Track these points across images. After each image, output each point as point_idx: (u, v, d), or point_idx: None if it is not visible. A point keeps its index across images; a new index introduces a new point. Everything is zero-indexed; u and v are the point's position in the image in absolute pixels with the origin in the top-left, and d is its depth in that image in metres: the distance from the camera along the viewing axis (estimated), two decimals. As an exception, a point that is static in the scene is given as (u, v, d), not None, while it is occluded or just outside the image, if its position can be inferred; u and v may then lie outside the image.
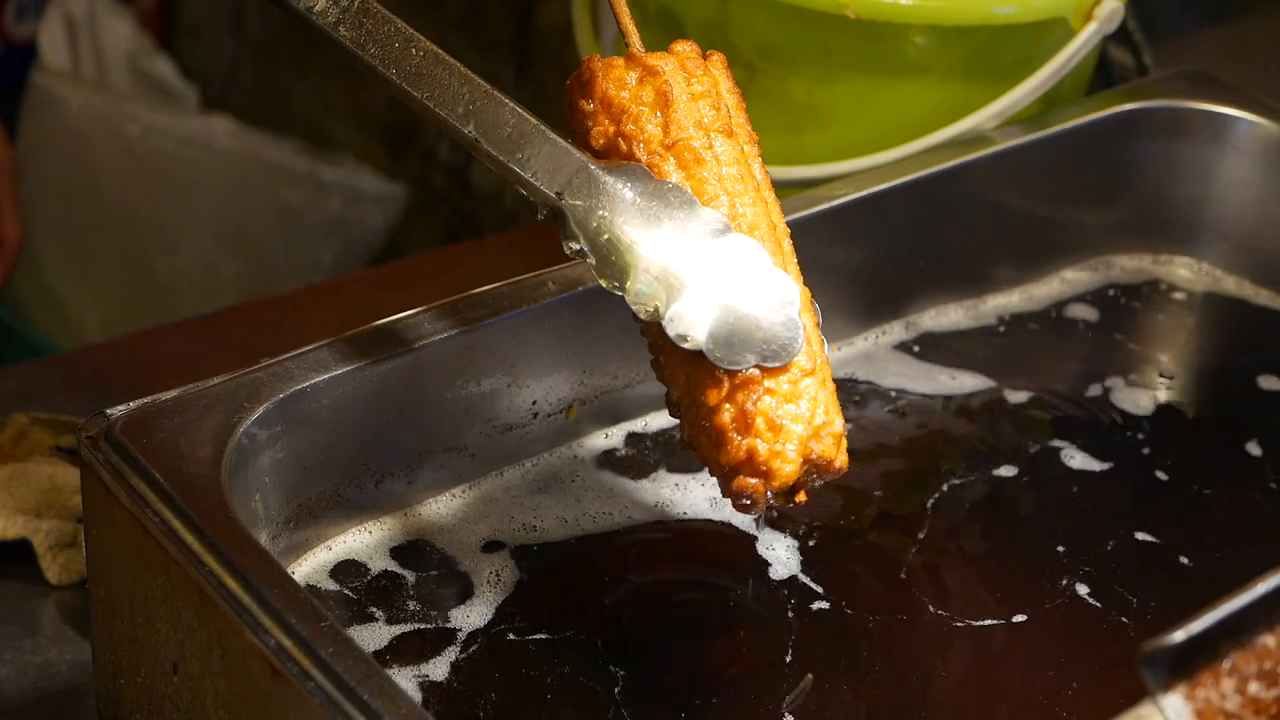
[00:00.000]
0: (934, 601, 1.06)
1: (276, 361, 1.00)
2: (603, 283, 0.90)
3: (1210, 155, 1.32)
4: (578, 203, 0.91)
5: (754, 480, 0.87)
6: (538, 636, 1.02)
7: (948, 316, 1.29)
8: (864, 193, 1.22)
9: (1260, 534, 1.15)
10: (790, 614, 1.04)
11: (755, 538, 1.09)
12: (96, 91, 2.25)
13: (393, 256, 2.33)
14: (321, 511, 1.03)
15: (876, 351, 1.26)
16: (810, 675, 1.00)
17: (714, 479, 0.91)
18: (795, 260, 0.93)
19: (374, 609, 1.02)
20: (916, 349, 1.26)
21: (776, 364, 0.88)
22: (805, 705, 0.99)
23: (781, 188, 1.28)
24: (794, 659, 1.02)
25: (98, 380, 1.38)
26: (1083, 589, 1.08)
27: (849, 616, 1.05)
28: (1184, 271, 1.35)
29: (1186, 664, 0.70)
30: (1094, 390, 1.25)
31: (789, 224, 1.16)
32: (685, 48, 0.95)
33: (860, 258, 1.24)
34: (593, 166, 0.91)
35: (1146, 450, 1.20)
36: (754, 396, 0.87)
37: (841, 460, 0.89)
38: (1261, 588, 0.72)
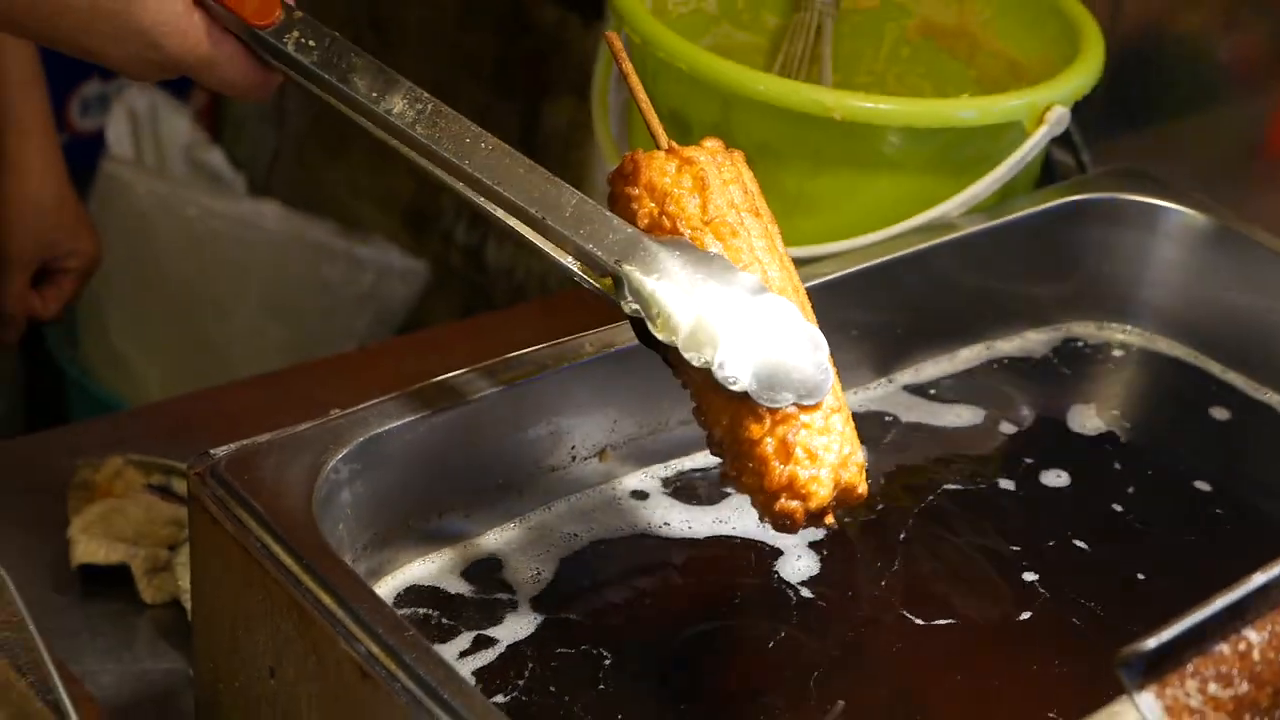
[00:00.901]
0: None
1: (354, 411, 1.03)
2: (660, 337, 0.93)
3: (1143, 239, 1.36)
4: (634, 269, 0.94)
5: (794, 503, 0.91)
6: (583, 649, 1.04)
7: (926, 371, 1.32)
8: (848, 270, 1.25)
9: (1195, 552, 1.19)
10: (814, 632, 1.07)
11: (779, 553, 1.13)
12: (158, 178, 2.27)
13: (416, 325, 2.36)
14: (393, 540, 1.06)
15: (882, 394, 1.30)
16: (842, 702, 1.03)
17: (752, 508, 0.94)
18: (814, 319, 0.97)
19: (440, 624, 1.05)
20: (911, 391, 1.30)
21: (811, 402, 0.91)
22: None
23: (775, 265, 1.32)
24: (821, 679, 1.04)
25: (175, 430, 1.40)
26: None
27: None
28: (1122, 335, 1.38)
29: (1157, 667, 0.74)
30: (1059, 423, 1.30)
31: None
32: (713, 144, 1.00)
33: (850, 322, 1.27)
34: (645, 239, 0.95)
35: (1098, 474, 1.25)
36: (793, 430, 0.91)
37: (863, 487, 0.94)
38: (1219, 603, 0.75)
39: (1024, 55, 1.47)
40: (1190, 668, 0.74)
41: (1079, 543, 1.18)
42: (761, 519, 0.93)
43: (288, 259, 2.21)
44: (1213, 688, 0.75)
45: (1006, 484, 1.23)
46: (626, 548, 1.12)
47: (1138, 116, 1.64)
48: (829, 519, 0.93)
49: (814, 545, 1.14)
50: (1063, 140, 1.50)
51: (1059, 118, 1.31)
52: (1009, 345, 1.35)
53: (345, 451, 1.00)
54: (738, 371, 0.91)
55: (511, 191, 0.95)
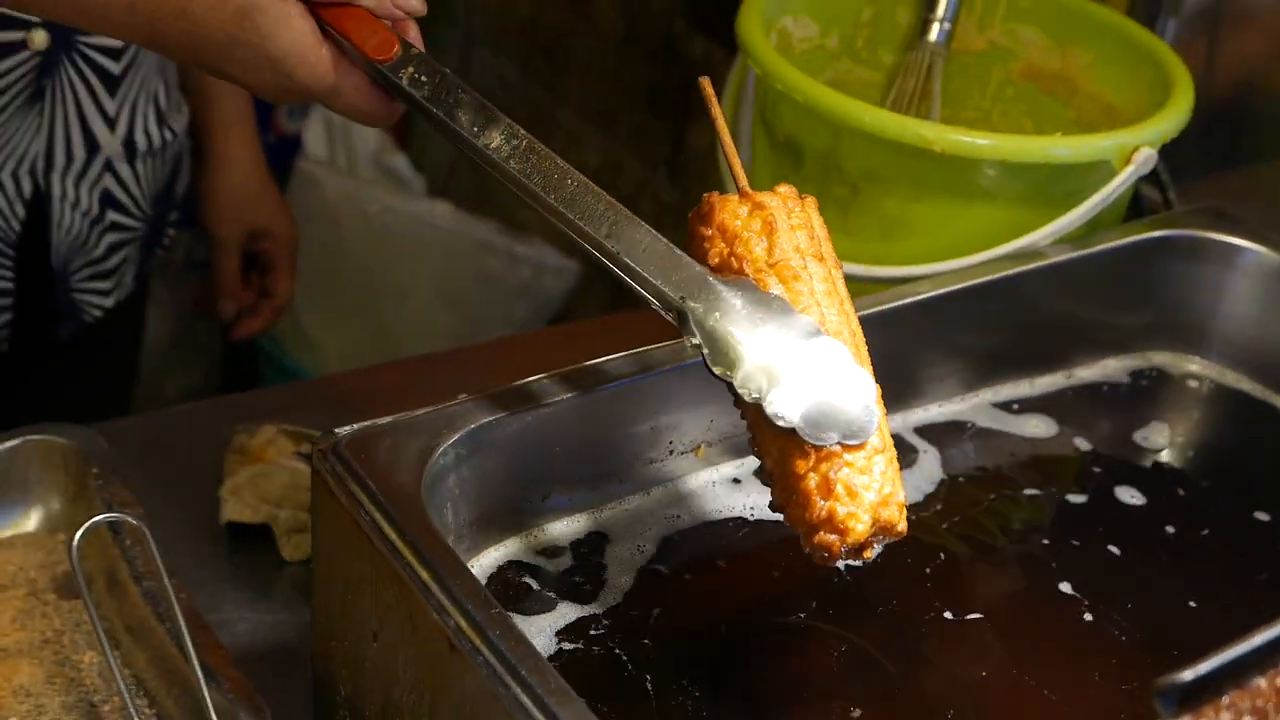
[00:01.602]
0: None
1: (470, 399, 0.98)
2: (716, 371, 0.87)
3: (1221, 275, 1.26)
4: (697, 306, 0.88)
5: (832, 536, 0.84)
6: (674, 626, 0.99)
7: (1007, 391, 1.23)
8: (941, 291, 1.18)
9: (1249, 581, 1.09)
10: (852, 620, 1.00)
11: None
12: (347, 178, 2.26)
13: (568, 316, 2.32)
14: (499, 519, 1.01)
15: (964, 408, 1.22)
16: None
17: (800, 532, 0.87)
18: (870, 362, 0.91)
19: (540, 595, 0.99)
20: (993, 407, 1.22)
21: (855, 443, 0.85)
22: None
23: (876, 283, 1.25)
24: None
25: (334, 403, 1.37)
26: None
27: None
28: (1195, 367, 1.29)
29: (1193, 698, 0.66)
30: (1130, 445, 1.21)
31: (883, 312, 1.15)
32: (787, 190, 0.93)
33: (939, 340, 1.20)
34: (710, 278, 0.89)
35: (1161, 497, 1.16)
36: (835, 467, 0.85)
37: (903, 525, 0.86)
38: (1259, 638, 0.68)
39: (1120, 99, 1.39)
40: (1226, 700, 0.66)
41: (1130, 559, 1.10)
42: (804, 549, 0.86)
43: (456, 253, 2.17)
44: (1247, 720, 0.67)
45: (1075, 498, 1.15)
46: (718, 530, 1.06)
47: (1227, 159, 1.54)
48: (868, 553, 0.86)
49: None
50: (1151, 179, 1.41)
51: (1146, 159, 1.23)
52: (1088, 371, 1.26)
53: (456, 437, 0.95)
54: (787, 409, 0.85)
55: (591, 227, 0.90)
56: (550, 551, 1.02)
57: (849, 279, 1.25)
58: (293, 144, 2.32)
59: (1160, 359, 1.29)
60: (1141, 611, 1.05)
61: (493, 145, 0.91)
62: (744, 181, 0.93)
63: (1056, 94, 1.45)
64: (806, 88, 1.24)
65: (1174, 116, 1.26)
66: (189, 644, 0.95)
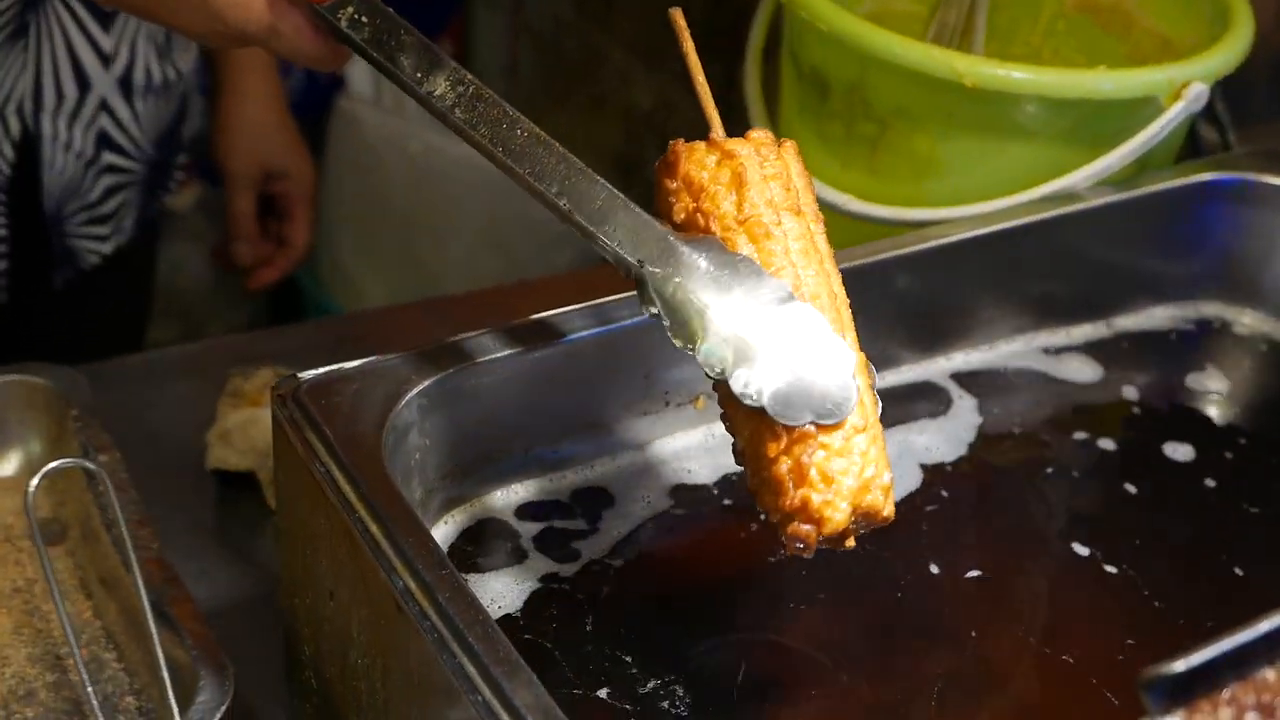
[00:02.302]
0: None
1: (446, 342, 0.91)
2: (676, 343, 0.78)
3: (1275, 222, 1.17)
4: (656, 270, 0.79)
5: (807, 527, 0.76)
6: (651, 583, 0.92)
7: (1043, 339, 1.15)
8: (976, 233, 1.09)
9: None
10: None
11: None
12: (390, 116, 2.19)
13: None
14: (475, 471, 0.94)
15: (991, 356, 1.13)
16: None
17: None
18: (853, 327, 0.81)
19: (512, 555, 0.93)
20: (1041, 350, 1.14)
21: (830, 422, 0.76)
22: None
23: (904, 226, 1.17)
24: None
25: (344, 343, 1.30)
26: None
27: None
28: (1247, 318, 1.19)
29: (1186, 692, 0.58)
30: (1181, 398, 1.13)
31: (911, 255, 1.06)
32: (761, 135, 0.83)
33: (970, 286, 1.11)
34: (671, 238, 0.80)
35: (1214, 451, 1.08)
36: (809, 451, 0.76)
37: (888, 510, 0.77)
38: (1265, 625, 0.59)
39: (1176, 33, 1.29)
40: (1227, 694, 0.58)
41: (1170, 517, 1.02)
42: (779, 538, 0.78)
43: (500, 196, 2.10)
44: (1250, 717, 0.58)
45: (1115, 451, 1.07)
46: (712, 488, 0.99)
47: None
48: (849, 542, 0.77)
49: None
50: (1210, 118, 1.32)
51: (1197, 94, 1.13)
52: (1132, 320, 1.18)
53: (425, 384, 0.88)
54: (755, 386, 0.76)
55: (541, 183, 0.82)
56: (530, 508, 0.95)
57: (875, 221, 1.18)
58: (338, 82, 2.26)
59: (1209, 309, 1.20)
60: (1177, 573, 0.98)
61: (436, 92, 0.83)
62: (718, 125, 0.84)
63: (1111, 28, 1.35)
64: (830, 16, 1.16)
65: (1228, 51, 1.17)
66: (144, 596, 0.89)
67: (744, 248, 0.80)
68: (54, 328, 1.42)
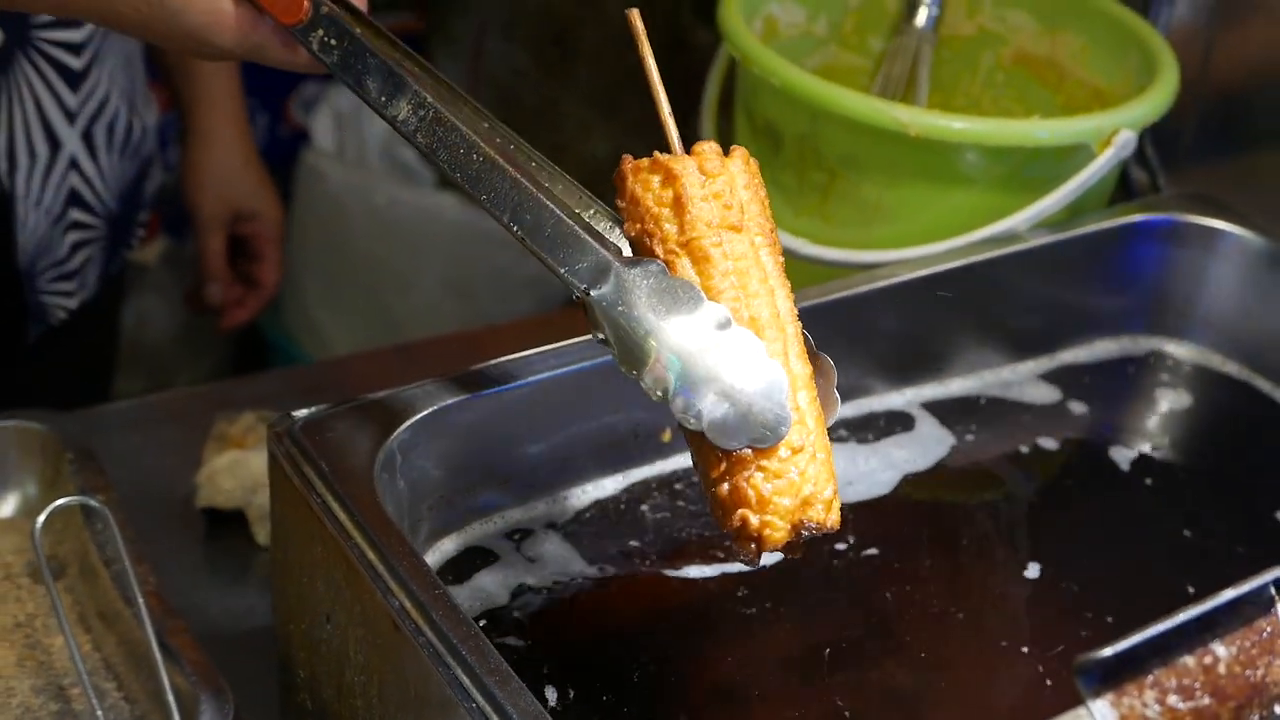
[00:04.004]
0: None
1: (428, 382, 0.98)
2: (622, 369, 0.82)
3: (1203, 260, 1.25)
4: (602, 296, 0.82)
5: (750, 544, 0.80)
6: (615, 602, 0.99)
7: (986, 376, 1.22)
8: (917, 275, 1.17)
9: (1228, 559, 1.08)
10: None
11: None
12: (355, 169, 2.25)
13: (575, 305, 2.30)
14: (459, 504, 1.00)
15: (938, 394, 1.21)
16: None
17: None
18: (800, 341, 0.84)
19: (493, 578, 0.99)
20: (990, 381, 1.22)
21: (765, 445, 0.79)
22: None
23: (855, 268, 1.24)
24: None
25: (320, 389, 1.36)
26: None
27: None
28: (1178, 350, 1.27)
29: (1115, 676, 0.65)
30: (1117, 428, 1.21)
31: (864, 295, 1.13)
32: (706, 148, 0.85)
33: (912, 324, 1.18)
34: (616, 264, 0.82)
35: (1149, 477, 1.16)
36: (746, 474, 0.79)
37: (832, 521, 0.81)
38: (1183, 616, 0.67)
39: (1108, 84, 1.37)
40: (1151, 678, 0.65)
41: (1105, 536, 1.10)
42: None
43: (463, 245, 2.17)
44: (1172, 699, 0.66)
45: (1056, 478, 1.14)
46: (680, 513, 1.05)
47: (1227, 145, 1.52)
48: (796, 553, 0.81)
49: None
50: (1141, 162, 1.40)
51: (1125, 141, 1.21)
52: (1067, 354, 1.25)
53: (412, 421, 0.94)
54: (694, 411, 0.79)
55: (496, 209, 0.84)
56: (510, 536, 1.02)
57: (827, 264, 1.25)
58: (303, 135, 2.32)
59: (1145, 342, 1.28)
60: (1120, 588, 1.05)
61: (400, 117, 0.85)
62: (671, 136, 0.86)
63: (1046, 79, 1.44)
64: (783, 72, 1.23)
65: (1155, 99, 1.25)
66: (148, 627, 0.95)
67: (687, 271, 0.82)
68: (25, 381, 1.42)
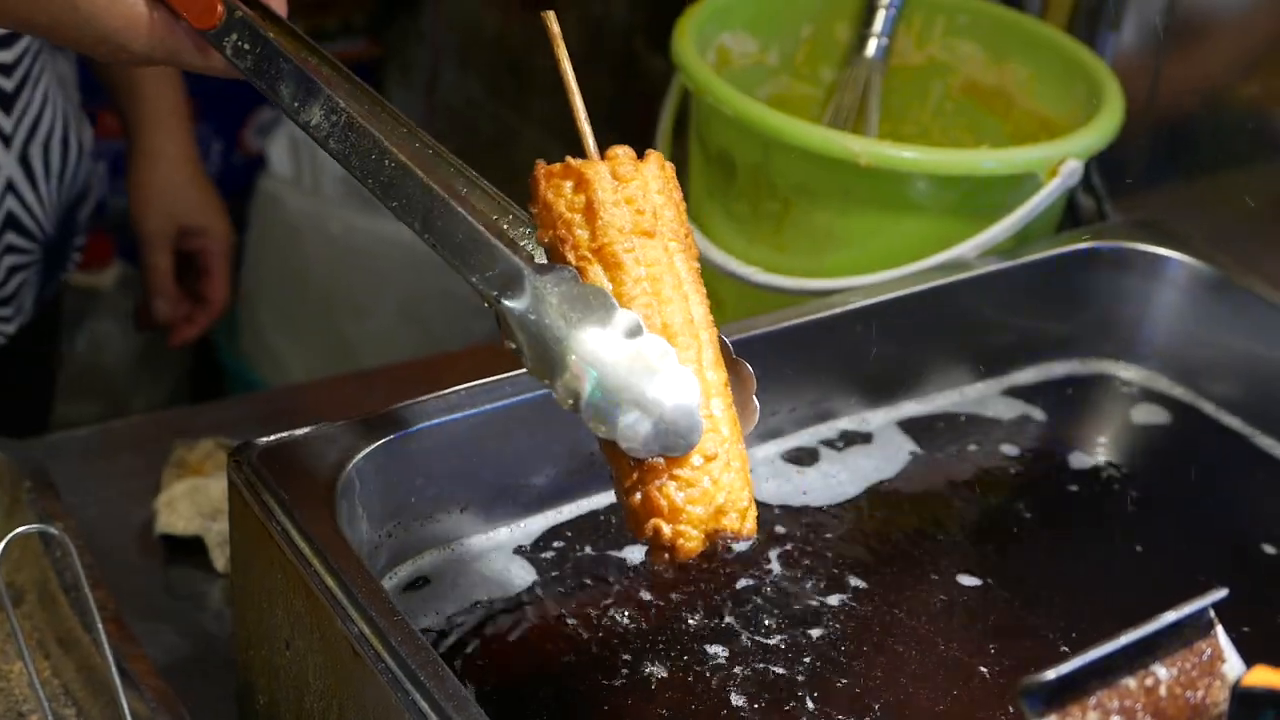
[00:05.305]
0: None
1: (387, 410, 0.99)
2: (535, 377, 0.81)
3: (1149, 285, 1.27)
4: (513, 305, 0.81)
5: (663, 553, 0.80)
6: (570, 625, 1.00)
7: (937, 400, 1.24)
8: (873, 300, 1.19)
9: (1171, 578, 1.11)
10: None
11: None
12: (310, 196, 2.26)
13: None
14: (416, 530, 1.01)
15: (888, 420, 1.22)
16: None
17: None
18: (714, 348, 0.83)
19: (451, 604, 1.00)
20: (918, 419, 1.23)
21: (677, 454, 0.78)
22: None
23: (808, 295, 1.26)
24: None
25: (278, 416, 1.37)
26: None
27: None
28: (1126, 372, 1.30)
29: (1058, 698, 0.67)
30: (1065, 450, 1.23)
31: (820, 320, 1.15)
32: (620, 152, 0.83)
33: (866, 349, 1.20)
34: (527, 272, 0.81)
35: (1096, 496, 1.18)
36: (659, 483, 0.78)
37: (748, 529, 0.81)
38: (1125, 638, 0.68)
39: (1055, 113, 1.40)
40: (1093, 700, 0.67)
41: (1050, 552, 1.12)
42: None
43: (418, 271, 2.17)
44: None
45: (1004, 501, 1.16)
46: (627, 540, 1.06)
47: (1172, 171, 1.55)
48: (712, 562, 0.83)
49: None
50: (1088, 189, 1.43)
51: (1071, 170, 1.24)
52: (1016, 379, 1.27)
53: (370, 448, 0.95)
54: (603, 420, 0.78)
55: (407, 216, 0.82)
56: (469, 561, 1.03)
57: (781, 292, 1.27)
58: (259, 162, 2.33)
59: (1094, 364, 1.30)
60: (1051, 598, 1.07)
61: (312, 122, 0.83)
62: (587, 141, 0.84)
63: (994, 108, 1.46)
64: (735, 102, 1.25)
65: (1100, 129, 1.27)
66: (108, 653, 0.95)
67: (599, 277, 0.81)
68: None
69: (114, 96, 1.58)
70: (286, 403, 1.47)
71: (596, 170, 0.82)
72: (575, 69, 0.85)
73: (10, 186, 1.34)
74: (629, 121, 2.30)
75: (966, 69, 1.47)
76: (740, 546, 0.82)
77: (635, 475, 0.79)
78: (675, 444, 0.78)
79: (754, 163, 1.28)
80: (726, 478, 0.80)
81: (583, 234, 0.81)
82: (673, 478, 0.78)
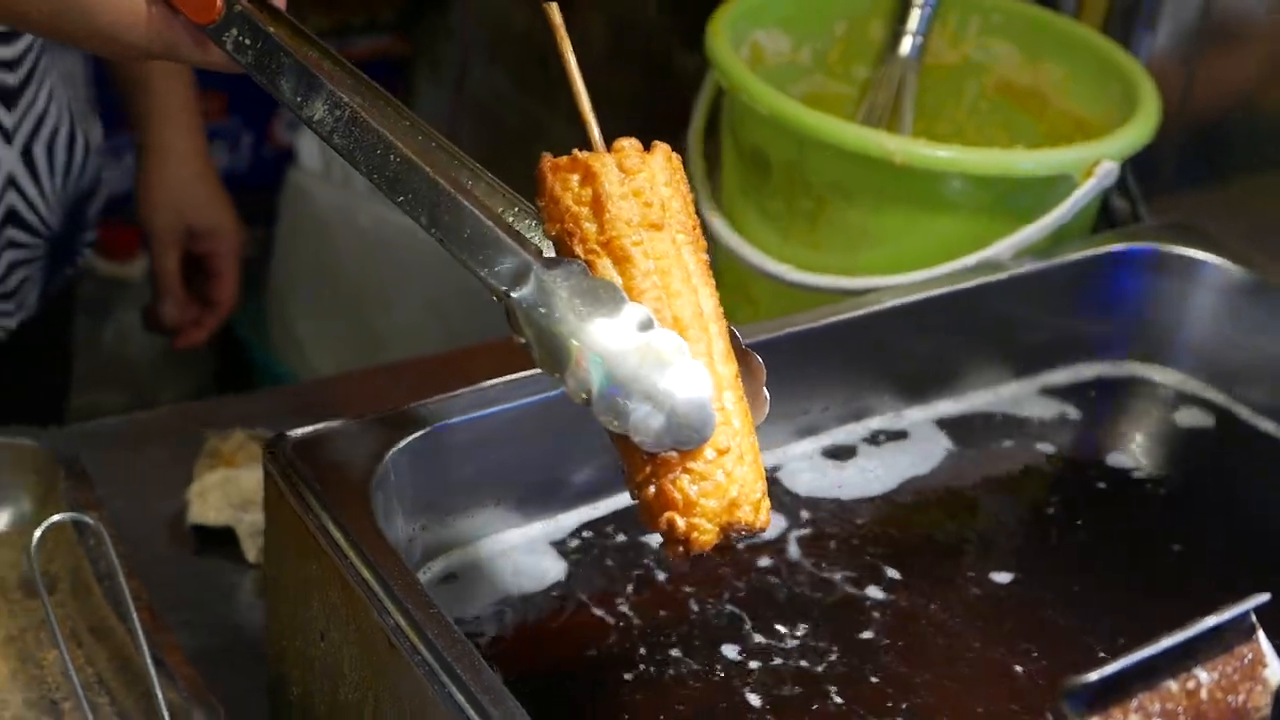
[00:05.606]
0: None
1: (422, 403, 0.99)
2: (544, 371, 0.80)
3: (1184, 288, 1.27)
4: (523, 299, 0.80)
5: (677, 546, 0.79)
6: (601, 618, 1.00)
7: (971, 400, 1.24)
8: (908, 299, 1.18)
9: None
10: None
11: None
12: (340, 188, 2.26)
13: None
14: (450, 524, 1.01)
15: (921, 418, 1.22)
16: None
17: None
18: (725, 340, 0.82)
19: (486, 598, 1.01)
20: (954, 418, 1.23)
21: (690, 447, 0.78)
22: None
23: (842, 294, 1.26)
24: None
25: (309, 408, 1.36)
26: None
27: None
28: (1160, 375, 1.29)
29: (1101, 700, 0.66)
30: (1099, 452, 1.22)
31: (856, 319, 1.15)
32: (627, 144, 0.82)
33: (901, 350, 1.20)
34: (536, 266, 0.80)
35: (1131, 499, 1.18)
36: (672, 476, 0.78)
37: (762, 521, 0.80)
38: (1168, 641, 0.68)
39: (1090, 114, 1.40)
40: (1135, 702, 0.67)
41: (1084, 558, 1.12)
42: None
43: (446, 265, 2.17)
44: (1156, 722, 0.67)
45: (1037, 505, 1.16)
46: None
47: (1208, 173, 1.55)
48: (726, 555, 0.83)
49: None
50: (1122, 191, 1.43)
51: (1107, 171, 1.24)
52: (1051, 380, 1.27)
53: (406, 441, 0.96)
54: (614, 414, 0.78)
55: (414, 210, 0.82)
56: (503, 556, 1.03)
57: (814, 290, 1.27)
58: (288, 155, 2.33)
59: (1127, 368, 1.29)
60: (1084, 604, 1.07)
61: (315, 117, 0.82)
62: (595, 134, 0.83)
63: (1029, 108, 1.46)
64: (770, 100, 1.25)
65: (1136, 131, 1.27)
66: (143, 642, 0.96)
67: (608, 270, 0.80)
68: None
69: (122, 91, 1.56)
70: (316, 395, 1.47)
71: (603, 163, 0.81)
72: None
73: (11, 181, 1.33)
74: (660, 119, 2.30)
75: (1001, 69, 1.47)
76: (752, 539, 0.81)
77: (648, 468, 0.79)
78: (688, 438, 0.78)
79: (788, 160, 1.28)
80: (740, 471, 0.79)
81: (590, 227, 0.80)
82: (686, 471, 0.78)
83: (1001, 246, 1.23)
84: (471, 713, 0.78)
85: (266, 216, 2.30)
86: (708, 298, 0.82)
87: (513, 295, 0.80)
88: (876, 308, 1.17)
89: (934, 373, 1.23)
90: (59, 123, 1.37)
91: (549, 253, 0.82)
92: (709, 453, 0.78)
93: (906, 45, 1.42)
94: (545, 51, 2.48)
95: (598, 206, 0.80)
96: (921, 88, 1.45)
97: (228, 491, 1.18)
